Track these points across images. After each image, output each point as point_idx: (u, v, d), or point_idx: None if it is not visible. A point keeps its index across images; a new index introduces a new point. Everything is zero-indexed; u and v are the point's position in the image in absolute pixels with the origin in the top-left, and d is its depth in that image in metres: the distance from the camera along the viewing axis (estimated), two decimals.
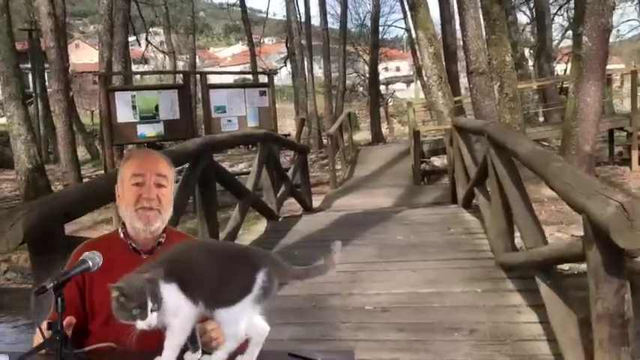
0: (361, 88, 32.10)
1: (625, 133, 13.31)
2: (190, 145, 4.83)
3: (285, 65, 25.80)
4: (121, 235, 1.77)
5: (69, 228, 2.85)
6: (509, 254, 4.38)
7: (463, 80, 23.13)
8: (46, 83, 20.21)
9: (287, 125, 32.91)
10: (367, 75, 28.04)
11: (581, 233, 6.47)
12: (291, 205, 8.52)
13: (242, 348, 1.41)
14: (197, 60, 44.75)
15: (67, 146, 10.77)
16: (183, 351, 1.43)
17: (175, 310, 1.37)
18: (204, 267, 1.41)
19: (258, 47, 26.08)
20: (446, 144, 10.96)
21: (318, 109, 22.63)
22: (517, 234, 4.57)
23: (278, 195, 7.41)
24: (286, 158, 17.13)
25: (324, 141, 20.91)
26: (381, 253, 5.19)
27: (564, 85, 19.96)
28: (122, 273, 1.41)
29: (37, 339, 1.51)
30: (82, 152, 24.05)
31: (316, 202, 9.73)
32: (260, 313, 1.43)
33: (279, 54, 33.15)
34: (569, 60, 33.67)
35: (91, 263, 1.48)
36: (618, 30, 32.60)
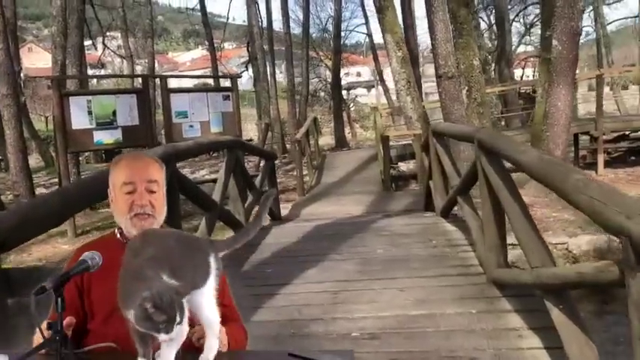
0: (323, 93, 31.76)
1: (588, 137, 13.29)
2: (151, 154, 4.31)
3: (247, 70, 25.24)
4: (118, 236, 1.78)
5: None
6: (504, 271, 4.01)
7: (425, 85, 23.05)
8: None
9: (249, 130, 32.28)
10: (329, 80, 27.71)
11: (559, 240, 6.17)
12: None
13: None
14: (156, 65, 43.77)
15: (18, 154, 10.00)
16: None
17: None
18: (181, 258, 1.44)
19: (218, 52, 25.46)
20: (415, 149, 10.67)
21: (280, 114, 22.17)
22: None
23: (246, 205, 6.92)
24: (250, 164, 16.66)
25: (288, 146, 20.50)
26: (363, 269, 4.76)
27: (522, 90, 20.09)
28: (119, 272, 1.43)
29: (37, 339, 1.48)
30: (36, 159, 22.99)
31: (284, 210, 9.27)
32: None
33: (239, 58, 32.56)
34: (526, 65, 34.24)
35: (90, 263, 1.49)
36: None
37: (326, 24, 29.35)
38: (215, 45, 26.02)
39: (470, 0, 12.02)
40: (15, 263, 7.89)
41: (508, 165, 3.78)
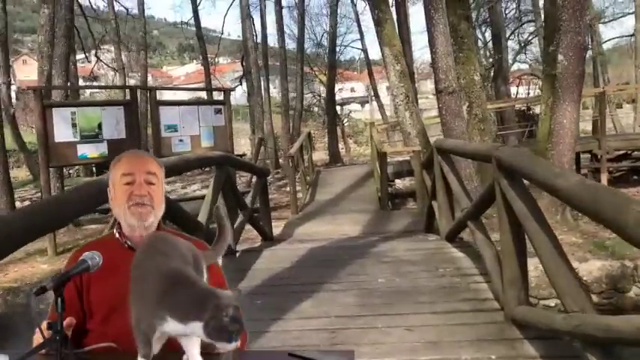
0: (317, 109, 31.32)
1: (588, 156, 12.86)
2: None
3: (241, 84, 24.76)
4: (117, 235, 1.76)
5: None
6: (528, 310, 3.46)
7: (420, 102, 22.62)
8: None
9: (242, 145, 31.75)
10: (323, 95, 27.29)
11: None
12: (249, 232, 7.48)
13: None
14: (150, 78, 43.26)
15: None
16: None
17: None
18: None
19: (212, 66, 24.98)
20: (414, 166, 10.16)
21: (274, 129, 21.67)
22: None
23: (235, 225, 6.37)
24: (242, 179, 16.09)
25: (281, 161, 19.97)
26: (364, 302, 4.20)
27: (516, 108, 19.70)
28: (119, 271, 1.46)
29: (37, 339, 1.48)
30: (24, 172, 22.37)
31: (276, 228, 8.71)
32: None
33: (234, 73, 32.12)
34: (520, 83, 33.96)
35: (90, 263, 1.45)
36: None
37: (321, 39, 28.99)
38: (209, 59, 25.61)
39: (470, 14, 11.63)
40: None
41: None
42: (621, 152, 13.02)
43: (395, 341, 3.49)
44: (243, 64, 21.56)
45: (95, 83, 27.77)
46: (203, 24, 21.79)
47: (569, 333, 2.76)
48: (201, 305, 1.24)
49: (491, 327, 3.62)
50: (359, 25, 26.29)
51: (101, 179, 3.84)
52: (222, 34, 24.65)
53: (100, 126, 8.93)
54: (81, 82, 24.79)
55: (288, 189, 10.77)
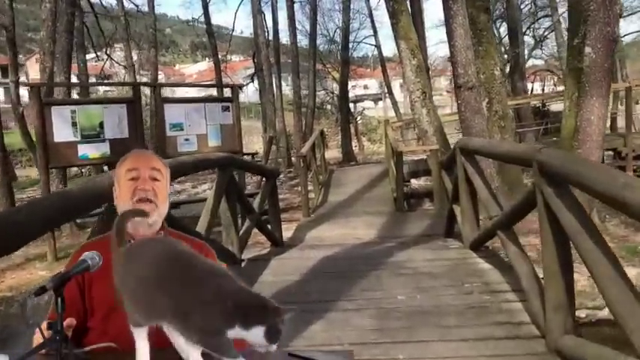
0: (330, 106, 30.72)
1: (611, 153, 12.21)
2: None
3: (252, 81, 24.27)
4: None
5: None
6: (578, 342, 2.90)
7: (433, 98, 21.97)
8: None
9: (254, 143, 31.28)
10: (336, 92, 26.70)
11: None
12: (258, 235, 6.94)
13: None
14: (162, 76, 42.90)
15: None
16: None
17: None
18: None
19: (224, 64, 24.49)
20: (431, 166, 9.59)
21: (286, 127, 21.14)
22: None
23: (241, 232, 5.85)
24: (253, 179, 15.58)
25: (293, 159, 19.44)
26: (381, 325, 3.65)
27: (532, 105, 18.99)
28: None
29: (37, 339, 1.46)
30: (36, 172, 22.06)
31: (287, 231, 8.19)
32: None
33: (245, 70, 31.62)
34: (535, 79, 33.12)
35: (90, 263, 1.44)
36: None
37: (334, 35, 28.35)
38: (221, 57, 25.14)
39: (489, 5, 11.00)
40: None
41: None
42: None
43: None
44: (255, 60, 21.06)
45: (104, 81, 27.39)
46: (214, 21, 21.36)
47: None
48: (262, 310, 1.24)
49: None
50: (372, 21, 25.67)
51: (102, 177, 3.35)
52: (233, 30, 24.12)
53: (101, 125, 8.46)
54: (92, 81, 24.47)
55: (300, 189, 10.21)
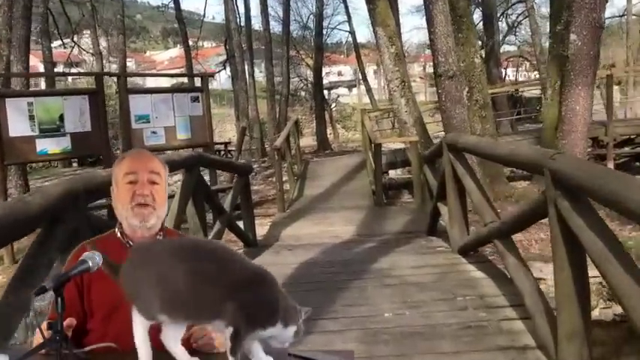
0: (304, 93, 30.09)
1: (589, 142, 11.92)
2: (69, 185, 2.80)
3: (225, 68, 23.52)
4: (118, 234, 1.72)
5: None
6: None
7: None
8: None
9: (227, 131, 30.56)
10: (310, 79, 26.10)
11: (593, 272, 4.58)
12: (229, 234, 6.41)
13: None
14: (133, 63, 41.69)
15: None
16: None
17: None
18: None
19: (195, 50, 23.69)
20: (411, 158, 9.15)
21: (260, 114, 20.52)
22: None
23: (211, 235, 5.34)
24: (224, 175, 15.00)
25: (267, 148, 18.87)
26: (369, 351, 3.19)
27: (509, 91, 18.69)
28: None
29: (37, 339, 1.46)
30: None
31: (261, 227, 7.71)
32: None
33: (218, 56, 30.75)
34: (508, 65, 32.94)
35: (90, 263, 1.38)
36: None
37: (307, 21, 27.65)
38: (192, 43, 24.32)
39: None
40: None
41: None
42: (623, 138, 12.08)
43: None
44: (227, 47, 20.34)
45: (73, 70, 26.35)
46: (185, 7, 20.59)
47: None
48: (295, 310, 1.28)
49: None
50: (346, 7, 25.03)
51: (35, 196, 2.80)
52: (204, 16, 23.27)
53: (61, 118, 7.85)
54: (60, 70, 23.44)
55: (274, 179, 9.66)
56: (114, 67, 25.57)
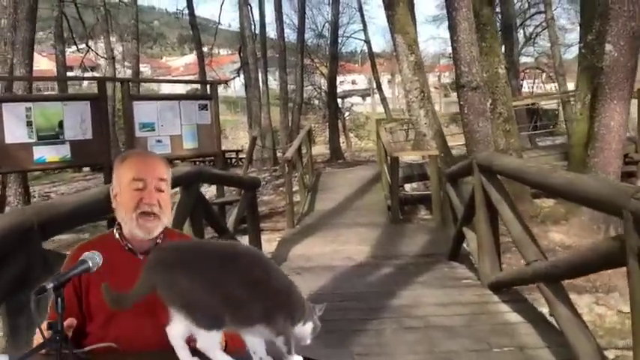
0: (317, 101, 29.52)
1: None
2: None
3: (239, 75, 23.01)
4: (117, 236, 1.67)
5: None
6: None
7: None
8: None
9: (240, 138, 30.09)
10: (324, 88, 25.53)
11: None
12: None
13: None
14: (149, 68, 41.42)
15: None
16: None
17: None
18: None
19: (210, 57, 23.21)
20: (431, 174, 8.50)
21: (272, 122, 19.96)
22: None
23: None
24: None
25: (279, 154, 18.29)
26: None
27: (531, 106, 17.96)
28: (118, 274, 1.46)
29: (37, 339, 1.44)
30: None
31: (268, 244, 7.14)
32: None
33: (233, 64, 30.29)
34: (525, 77, 32.19)
35: (90, 263, 1.39)
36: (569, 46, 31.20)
37: (322, 29, 27.09)
38: (207, 50, 23.89)
39: None
40: None
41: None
42: None
43: None
44: (241, 54, 19.81)
45: (90, 74, 26.00)
46: (202, 13, 20.10)
47: None
48: (313, 308, 1.31)
49: None
50: (362, 15, 24.46)
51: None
52: (219, 22, 22.74)
53: (61, 124, 7.29)
54: (74, 74, 23.15)
55: (287, 200, 9.02)
56: (128, 72, 25.20)
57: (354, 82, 40.97)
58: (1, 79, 8.35)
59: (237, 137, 30.49)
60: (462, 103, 7.89)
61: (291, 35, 25.13)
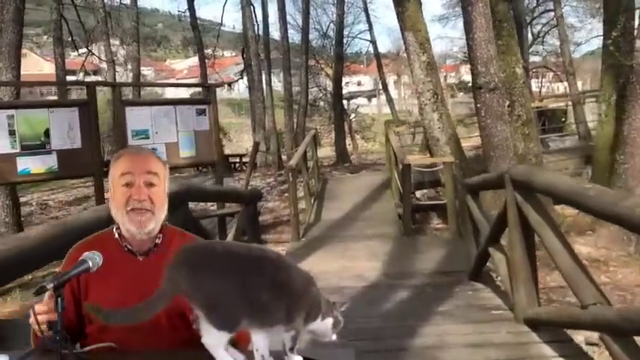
0: (322, 103, 28.87)
1: None
2: None
3: (242, 77, 22.39)
4: (116, 235, 1.63)
5: None
6: None
7: None
8: None
9: (245, 141, 29.46)
10: (329, 89, 24.88)
11: None
12: None
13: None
14: (152, 71, 40.91)
15: None
16: None
17: None
18: None
19: (211, 60, 22.63)
20: (446, 182, 7.87)
21: (277, 125, 19.35)
22: None
23: None
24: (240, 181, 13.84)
25: (284, 157, 17.70)
26: None
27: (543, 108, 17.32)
28: (118, 275, 1.47)
29: (32, 322, 1.38)
30: None
31: None
32: None
33: (236, 65, 29.68)
34: (532, 76, 31.48)
35: (90, 263, 1.37)
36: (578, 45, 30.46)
37: (327, 30, 26.43)
38: (211, 52, 23.31)
39: None
40: None
41: None
42: None
43: None
44: (244, 56, 19.22)
45: (93, 78, 25.46)
46: (204, 15, 19.50)
47: None
48: (331, 304, 1.32)
49: None
50: (367, 15, 23.80)
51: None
52: (221, 24, 22.23)
53: (47, 133, 6.68)
54: (76, 78, 22.58)
55: (291, 211, 8.37)
56: (131, 76, 24.66)
57: (359, 84, 40.31)
58: None
59: (241, 140, 29.87)
60: (478, 105, 7.27)
61: (295, 36, 24.55)
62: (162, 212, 1.61)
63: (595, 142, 8.18)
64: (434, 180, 9.65)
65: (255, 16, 18.85)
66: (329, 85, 25.07)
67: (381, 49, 29.36)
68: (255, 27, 18.51)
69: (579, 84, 28.69)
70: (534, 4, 23.95)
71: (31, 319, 1.35)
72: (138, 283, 1.44)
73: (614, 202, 2.19)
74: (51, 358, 1.26)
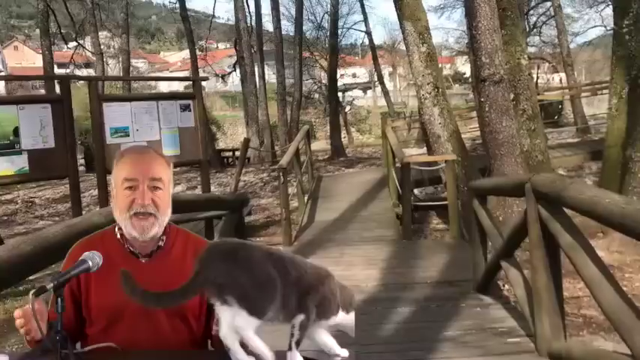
0: (317, 96, 28.24)
1: None
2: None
3: (235, 70, 21.75)
4: (118, 236, 1.59)
5: None
6: None
7: None
8: None
9: (239, 134, 28.85)
10: (324, 81, 24.27)
11: None
12: None
13: None
14: (145, 64, 40.14)
15: None
16: None
17: None
18: None
19: (203, 52, 21.97)
20: (446, 179, 7.33)
21: (271, 118, 18.74)
22: None
23: None
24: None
25: (277, 150, 17.12)
26: None
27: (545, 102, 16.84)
28: (119, 278, 1.36)
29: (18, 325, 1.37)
30: None
31: None
32: None
33: (230, 58, 29.00)
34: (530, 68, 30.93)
35: (91, 263, 1.36)
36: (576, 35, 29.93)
37: (321, 21, 25.74)
38: (203, 44, 22.68)
39: None
40: None
41: None
42: None
43: None
44: (237, 48, 18.58)
45: (85, 71, 24.73)
46: (195, 6, 18.79)
47: None
48: (351, 296, 1.37)
49: None
50: (362, 6, 23.15)
51: None
52: (213, 16, 21.60)
53: (16, 132, 6.12)
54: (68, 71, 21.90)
55: (282, 214, 7.80)
56: (122, 69, 23.96)
57: (354, 76, 39.65)
58: None
59: (235, 133, 29.28)
60: (482, 99, 6.69)
61: (289, 27, 23.89)
62: (165, 216, 1.56)
63: (605, 138, 7.62)
64: (433, 177, 9.13)
65: (248, 7, 18.26)
66: (323, 77, 24.48)
67: (377, 41, 28.75)
68: (248, 18, 17.90)
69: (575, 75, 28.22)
70: None
71: (17, 323, 1.34)
72: (141, 286, 1.37)
73: None
74: (51, 358, 1.26)
